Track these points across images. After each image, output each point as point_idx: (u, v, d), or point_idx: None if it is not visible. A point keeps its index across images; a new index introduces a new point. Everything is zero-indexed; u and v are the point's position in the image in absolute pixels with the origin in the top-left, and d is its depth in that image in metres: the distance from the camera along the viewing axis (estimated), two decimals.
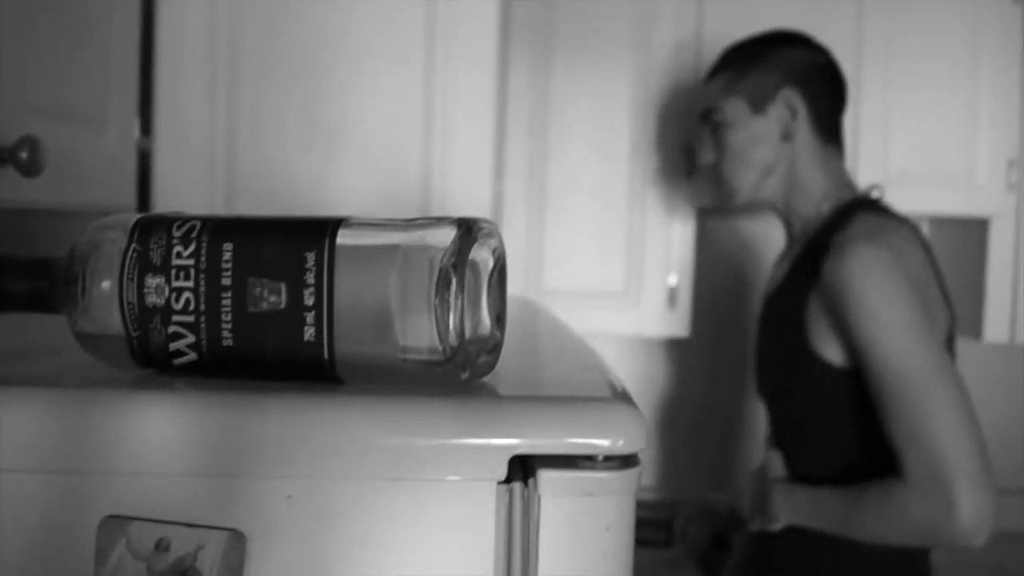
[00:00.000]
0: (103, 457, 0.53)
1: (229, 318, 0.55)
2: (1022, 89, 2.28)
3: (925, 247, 1.53)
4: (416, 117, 1.49)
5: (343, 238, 0.55)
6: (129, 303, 0.58)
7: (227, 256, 0.55)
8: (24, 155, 0.91)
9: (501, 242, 0.58)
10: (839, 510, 1.45)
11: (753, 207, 1.74)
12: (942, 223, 2.55)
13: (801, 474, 1.56)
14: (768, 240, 2.47)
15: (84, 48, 1.10)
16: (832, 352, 1.49)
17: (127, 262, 0.58)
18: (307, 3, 1.48)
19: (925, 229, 2.64)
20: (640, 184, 2.25)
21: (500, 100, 1.53)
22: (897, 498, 1.37)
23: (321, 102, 1.48)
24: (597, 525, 0.51)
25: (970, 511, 1.32)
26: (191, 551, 0.52)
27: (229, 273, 0.55)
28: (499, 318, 0.59)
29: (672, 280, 2.25)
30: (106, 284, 0.58)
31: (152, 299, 0.57)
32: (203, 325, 0.56)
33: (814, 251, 1.53)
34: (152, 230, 0.58)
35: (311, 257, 0.54)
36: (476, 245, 0.54)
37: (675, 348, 2.61)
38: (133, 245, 0.58)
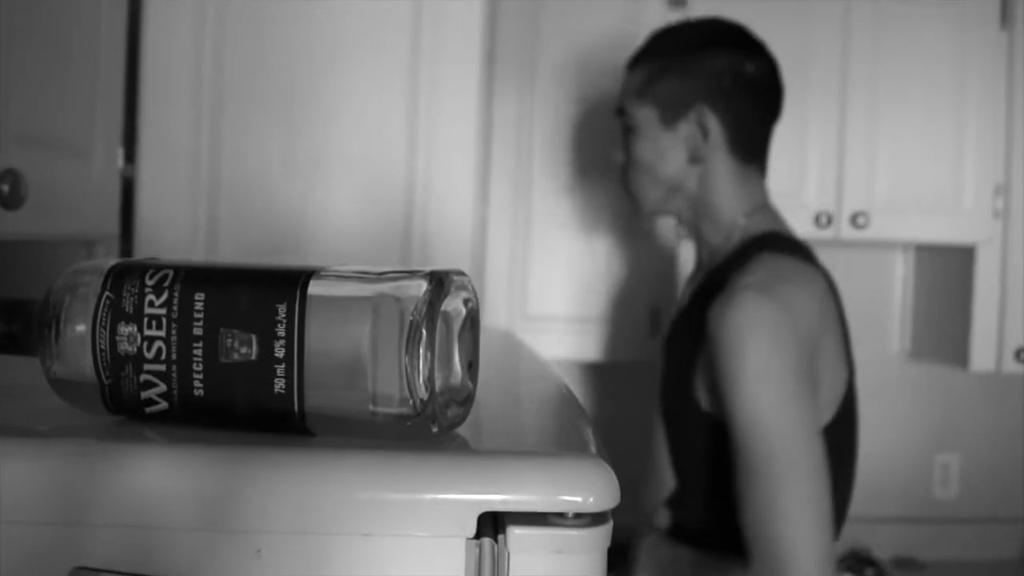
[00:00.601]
0: (72, 508, 0.52)
1: (200, 368, 0.55)
2: (1008, 116, 2.29)
3: (828, 291, 1.41)
4: (400, 142, 1.49)
5: (315, 288, 0.54)
6: (102, 350, 0.57)
7: (199, 306, 0.55)
8: (5, 188, 0.91)
9: (474, 292, 0.58)
10: (688, 573, 1.38)
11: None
12: (928, 250, 2.55)
13: (691, 523, 1.46)
14: None
15: (69, 78, 1.10)
16: (714, 404, 1.37)
17: (100, 309, 0.58)
18: (291, 29, 1.48)
19: (911, 256, 2.65)
20: (625, 211, 2.25)
21: (484, 126, 1.54)
22: None
23: (305, 127, 1.49)
24: None
25: None
26: None
27: (201, 323, 0.55)
28: (471, 365, 0.59)
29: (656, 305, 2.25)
30: (79, 330, 0.58)
31: (124, 347, 0.57)
32: (175, 374, 0.56)
33: (712, 288, 1.40)
34: (125, 278, 0.58)
35: (282, 309, 0.54)
36: (448, 297, 0.54)
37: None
38: (106, 292, 0.58)
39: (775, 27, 2.20)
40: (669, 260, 2.27)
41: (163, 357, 0.56)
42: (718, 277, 1.41)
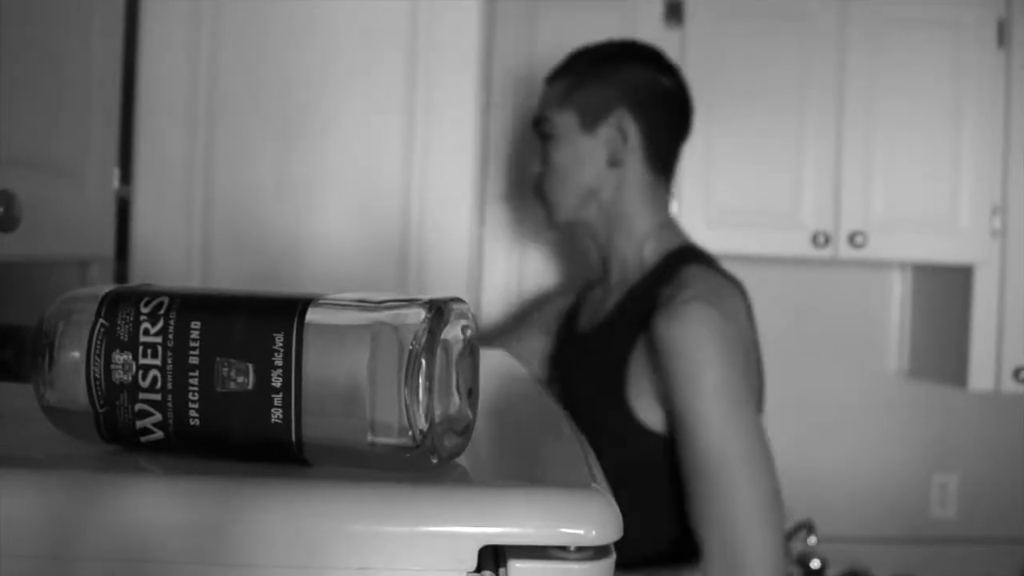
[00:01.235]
0: (65, 541, 0.52)
1: (196, 397, 0.55)
2: (1005, 135, 2.29)
3: (750, 308, 1.47)
4: (395, 165, 1.49)
5: (312, 317, 0.54)
6: (96, 379, 0.57)
7: (195, 335, 0.55)
8: (0, 209, 0.90)
9: (472, 319, 0.57)
10: None
11: (576, 233, 1.65)
12: (926, 270, 2.55)
13: (633, 543, 1.45)
14: None
15: (64, 99, 1.09)
16: (652, 417, 1.40)
17: (94, 337, 0.57)
18: (286, 51, 1.48)
19: (909, 275, 2.64)
20: None
21: (481, 147, 1.53)
22: None
23: (299, 150, 1.48)
24: None
25: None
26: None
27: (197, 352, 0.54)
28: (471, 392, 0.58)
29: None
30: (73, 358, 0.57)
31: (119, 376, 0.56)
32: (170, 404, 0.55)
33: (640, 302, 1.44)
34: (120, 305, 0.57)
35: (279, 338, 0.53)
36: (447, 326, 0.54)
37: None
38: (100, 320, 0.57)
39: (772, 47, 2.20)
40: None
41: (158, 386, 0.55)
42: (644, 290, 1.45)
